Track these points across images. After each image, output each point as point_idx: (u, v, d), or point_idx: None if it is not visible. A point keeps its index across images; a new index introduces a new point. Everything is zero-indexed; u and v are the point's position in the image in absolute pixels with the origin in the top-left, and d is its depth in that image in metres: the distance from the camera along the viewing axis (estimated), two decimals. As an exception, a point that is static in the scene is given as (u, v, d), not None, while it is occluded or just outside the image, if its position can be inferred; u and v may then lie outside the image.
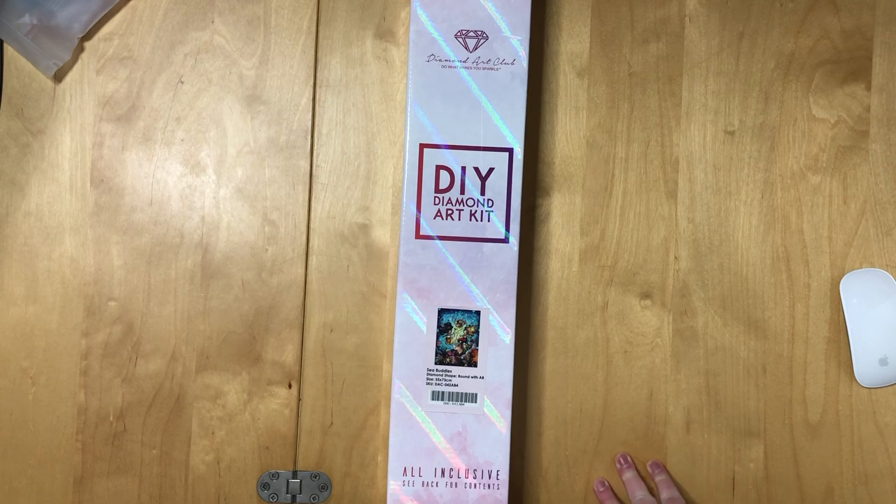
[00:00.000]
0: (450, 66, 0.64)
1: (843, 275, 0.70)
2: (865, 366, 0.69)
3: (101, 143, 0.69)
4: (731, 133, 0.71)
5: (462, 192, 0.64)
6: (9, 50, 0.68)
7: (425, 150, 0.64)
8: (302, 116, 0.70)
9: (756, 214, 0.71)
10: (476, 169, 0.64)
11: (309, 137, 0.70)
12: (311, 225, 0.70)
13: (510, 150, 0.64)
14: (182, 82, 0.69)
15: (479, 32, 0.64)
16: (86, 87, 0.69)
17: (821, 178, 0.71)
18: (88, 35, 0.69)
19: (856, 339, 0.69)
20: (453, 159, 0.64)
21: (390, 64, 0.70)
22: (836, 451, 0.70)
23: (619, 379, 0.70)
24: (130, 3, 0.69)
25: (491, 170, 0.64)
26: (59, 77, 0.69)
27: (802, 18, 0.71)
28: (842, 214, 0.71)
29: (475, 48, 0.64)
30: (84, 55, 0.69)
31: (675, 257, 0.71)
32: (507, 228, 0.65)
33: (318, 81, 0.70)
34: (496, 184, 0.64)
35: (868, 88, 0.71)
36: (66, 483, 0.68)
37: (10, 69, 0.68)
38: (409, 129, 0.64)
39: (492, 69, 0.64)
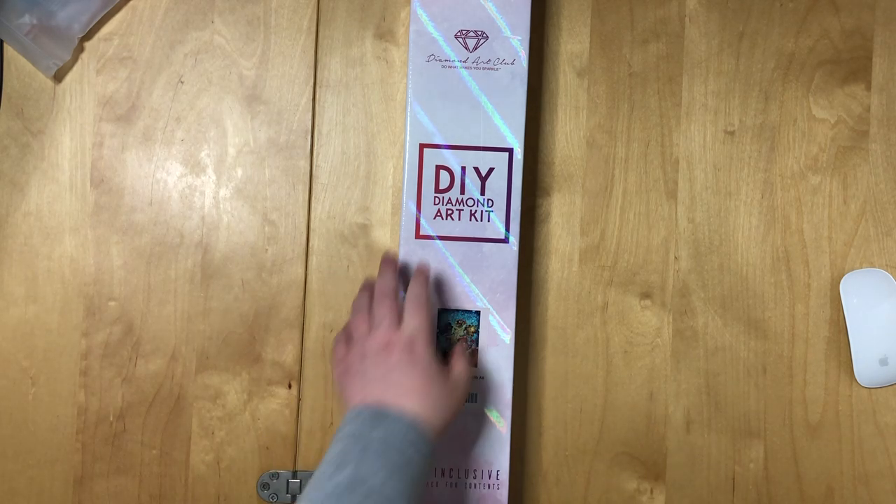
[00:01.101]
0: (450, 66, 0.64)
1: (843, 275, 0.70)
2: (865, 366, 0.69)
3: (101, 143, 0.69)
4: (731, 133, 0.71)
5: (462, 192, 0.64)
6: (9, 50, 0.68)
7: (425, 150, 0.64)
8: (302, 116, 0.70)
9: (756, 214, 0.71)
10: (476, 169, 0.64)
11: (309, 137, 0.70)
12: (311, 225, 0.70)
13: (510, 151, 0.64)
14: (182, 82, 0.69)
15: (479, 32, 0.64)
16: (86, 87, 0.69)
17: (821, 178, 0.71)
18: (88, 35, 0.69)
19: (856, 339, 0.69)
20: (453, 159, 0.64)
21: (390, 64, 0.70)
22: (836, 451, 0.70)
23: (619, 379, 0.70)
24: (130, 3, 0.69)
25: (491, 170, 0.64)
26: (59, 77, 0.69)
27: (802, 18, 0.71)
28: (842, 214, 0.71)
29: (475, 48, 0.64)
30: (84, 55, 0.69)
31: (675, 257, 0.71)
32: (507, 228, 0.65)
33: (318, 81, 0.70)
34: (496, 184, 0.64)
35: (868, 88, 0.71)
36: (66, 483, 0.68)
37: (10, 69, 0.68)
38: (409, 129, 0.64)
39: (492, 69, 0.64)
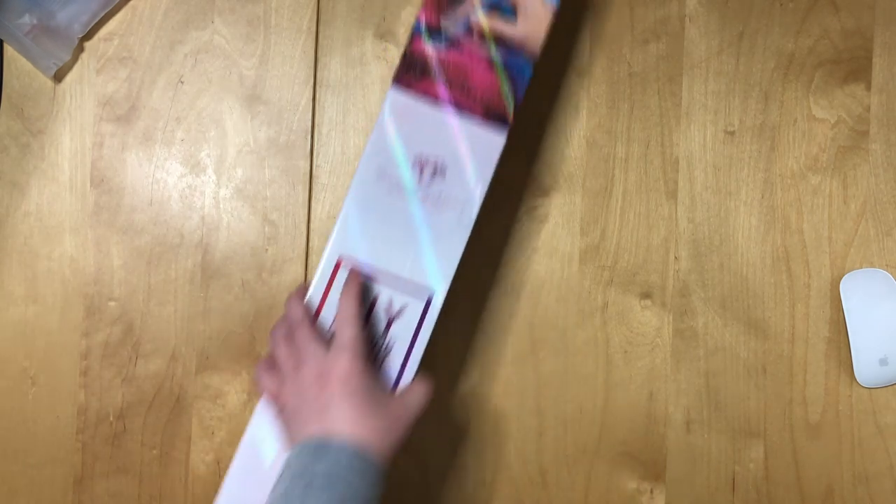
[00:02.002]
0: (398, 189, 0.59)
1: (843, 275, 0.70)
2: (865, 366, 0.69)
3: (101, 143, 0.69)
4: (731, 133, 0.71)
5: (366, 321, 0.58)
6: (9, 50, 0.68)
7: (343, 262, 0.58)
8: (302, 116, 0.70)
9: (756, 214, 0.71)
10: (389, 301, 0.58)
11: (309, 137, 0.70)
12: (311, 225, 0.70)
13: (430, 297, 0.58)
14: (182, 82, 0.69)
15: (440, 165, 0.59)
16: (86, 87, 0.69)
17: (821, 178, 0.71)
18: (88, 35, 0.69)
19: (856, 339, 0.69)
20: (368, 284, 0.58)
21: (390, 64, 0.70)
22: (836, 451, 0.70)
23: (619, 379, 0.70)
24: (130, 3, 0.69)
25: (402, 309, 0.58)
26: (59, 77, 0.69)
27: (802, 18, 0.71)
28: (842, 214, 0.71)
29: (431, 179, 0.59)
30: (84, 55, 0.69)
31: (675, 257, 0.71)
32: (398, 382, 0.58)
33: (318, 81, 0.70)
34: (403, 327, 0.58)
35: (868, 88, 0.71)
36: (66, 483, 0.68)
37: (10, 69, 0.68)
38: (335, 235, 0.59)
39: (441, 206, 0.59)
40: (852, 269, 0.71)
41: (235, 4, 0.69)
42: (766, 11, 0.71)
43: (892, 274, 0.70)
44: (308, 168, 0.70)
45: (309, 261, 0.69)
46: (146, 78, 0.69)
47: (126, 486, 0.68)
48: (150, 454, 0.69)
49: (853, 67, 0.71)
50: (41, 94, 0.69)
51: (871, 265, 0.71)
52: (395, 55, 0.70)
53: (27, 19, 0.66)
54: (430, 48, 0.60)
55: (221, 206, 0.69)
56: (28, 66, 0.68)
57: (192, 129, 0.69)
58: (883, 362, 0.69)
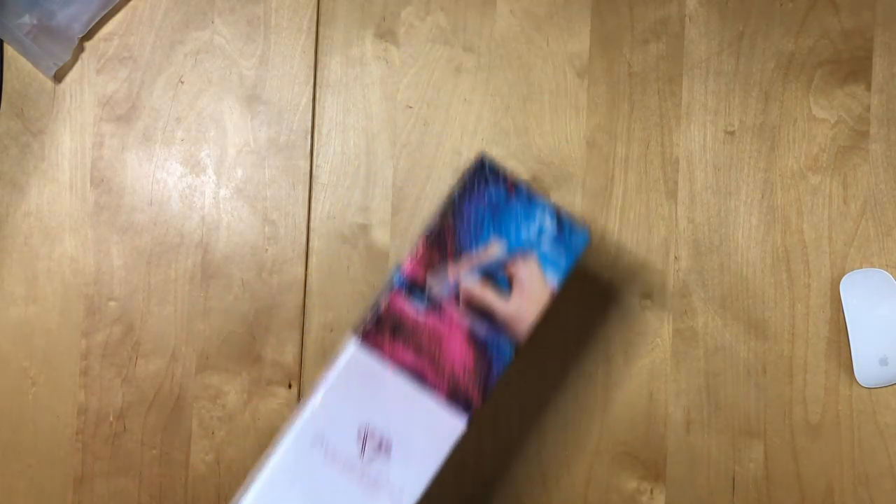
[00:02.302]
0: (334, 461, 0.51)
1: (843, 275, 0.70)
2: (865, 366, 0.69)
3: (101, 143, 0.69)
4: (731, 133, 0.71)
5: None
6: (9, 50, 0.68)
7: None
8: (302, 116, 0.70)
9: (756, 214, 0.71)
10: None
11: (309, 137, 0.70)
12: (311, 225, 0.70)
13: None
14: (182, 82, 0.69)
15: (386, 441, 0.52)
16: (86, 87, 0.69)
17: (821, 178, 0.71)
18: (88, 35, 0.69)
19: (856, 339, 0.69)
20: None
21: (390, 64, 0.70)
22: (836, 451, 0.70)
23: (619, 379, 0.70)
24: (130, 3, 0.69)
25: None
26: (59, 77, 0.69)
27: (802, 18, 0.71)
28: (842, 214, 0.71)
29: (374, 455, 0.52)
30: (84, 55, 0.69)
31: (675, 257, 0.71)
32: None
33: (318, 81, 0.70)
34: None
35: (868, 88, 0.71)
36: (66, 483, 0.68)
37: (10, 69, 0.68)
38: (248, 494, 0.51)
39: (377, 489, 0.51)
40: (852, 269, 0.71)
41: (235, 4, 0.69)
42: (766, 11, 0.71)
43: (892, 274, 0.70)
44: (308, 168, 0.70)
45: (309, 261, 0.69)
46: (146, 78, 0.69)
47: (126, 486, 0.69)
48: (150, 454, 0.69)
49: (853, 67, 0.71)
50: (41, 94, 0.69)
51: (871, 265, 0.71)
52: (395, 55, 0.70)
53: (27, 19, 0.66)
54: (407, 306, 0.53)
55: (221, 206, 0.69)
56: (28, 66, 0.68)
57: (192, 129, 0.69)
58: (883, 362, 0.69)
